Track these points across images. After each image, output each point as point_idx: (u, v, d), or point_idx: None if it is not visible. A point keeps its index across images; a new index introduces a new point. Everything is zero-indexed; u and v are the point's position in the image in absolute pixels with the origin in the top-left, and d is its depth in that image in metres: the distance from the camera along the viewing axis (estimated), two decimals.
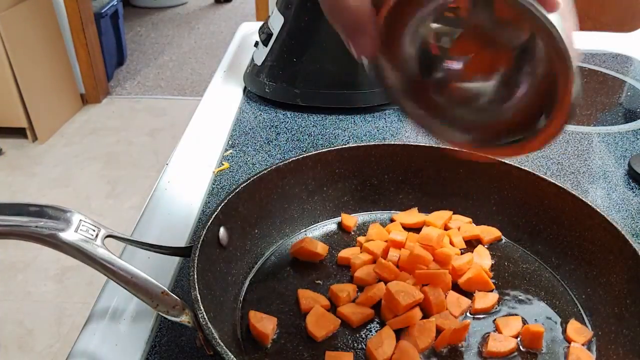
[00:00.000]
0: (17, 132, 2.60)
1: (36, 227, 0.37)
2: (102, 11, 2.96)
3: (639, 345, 0.41)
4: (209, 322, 0.37)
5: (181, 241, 0.55)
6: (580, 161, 0.69)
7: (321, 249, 0.51)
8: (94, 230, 0.39)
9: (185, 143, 0.73)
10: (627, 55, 1.04)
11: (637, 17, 1.41)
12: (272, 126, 0.76)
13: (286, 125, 0.76)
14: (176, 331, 0.45)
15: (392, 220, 0.56)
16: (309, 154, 0.54)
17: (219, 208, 0.46)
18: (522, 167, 0.53)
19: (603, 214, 0.47)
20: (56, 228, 0.37)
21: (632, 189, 0.64)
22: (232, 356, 0.34)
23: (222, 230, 0.46)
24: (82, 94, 2.97)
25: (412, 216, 0.56)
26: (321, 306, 0.46)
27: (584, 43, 1.08)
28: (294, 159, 0.53)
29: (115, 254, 0.39)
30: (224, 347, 0.35)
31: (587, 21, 1.43)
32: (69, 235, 0.37)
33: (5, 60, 2.32)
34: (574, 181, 0.65)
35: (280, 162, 0.52)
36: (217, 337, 0.35)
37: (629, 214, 0.60)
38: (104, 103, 3.05)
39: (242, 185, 0.49)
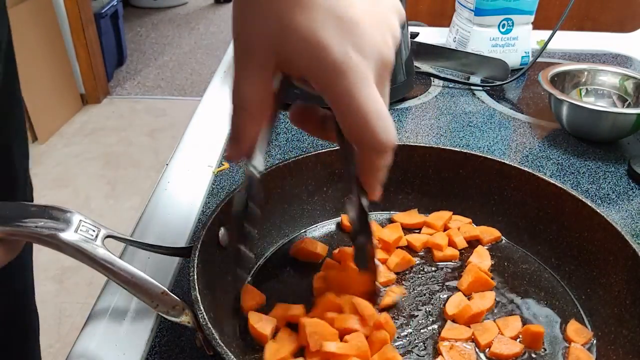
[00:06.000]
0: None
1: (36, 227, 0.37)
2: (102, 11, 2.96)
3: (639, 346, 0.41)
4: (209, 323, 0.37)
5: (181, 241, 0.55)
6: (580, 161, 0.69)
7: (321, 249, 0.51)
8: (94, 231, 0.39)
9: (185, 143, 0.73)
10: (627, 55, 1.04)
11: (637, 17, 1.41)
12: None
13: (286, 125, 0.76)
14: (176, 331, 0.45)
15: (391, 221, 0.56)
16: (309, 154, 0.54)
17: (219, 208, 0.46)
18: (522, 168, 0.53)
19: (603, 214, 0.47)
20: (56, 228, 0.37)
21: (632, 189, 0.64)
22: (232, 356, 0.34)
23: (222, 230, 0.46)
24: (82, 94, 2.97)
25: (412, 217, 0.56)
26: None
27: (584, 43, 1.08)
28: (293, 159, 0.53)
29: (115, 254, 0.39)
30: (224, 348, 0.35)
31: (587, 21, 1.44)
32: (69, 236, 0.37)
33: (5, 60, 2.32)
34: (574, 181, 0.65)
35: (280, 163, 0.52)
36: (217, 337, 0.35)
37: (629, 214, 0.60)
38: (104, 103, 3.05)
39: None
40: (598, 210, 0.47)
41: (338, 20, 0.32)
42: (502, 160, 0.54)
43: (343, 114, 0.33)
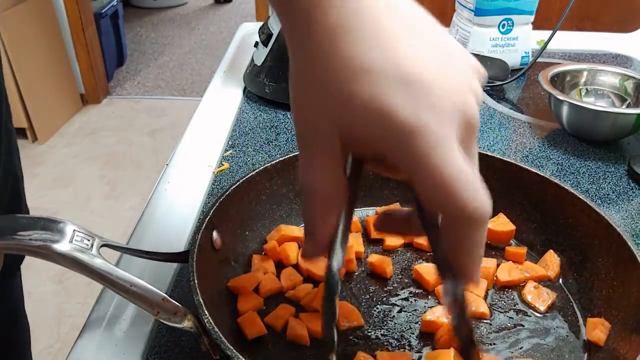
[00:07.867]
0: (17, 133, 2.58)
1: (30, 239, 0.36)
2: (102, 11, 2.96)
3: (630, 326, 0.41)
4: (215, 327, 0.36)
5: (181, 242, 0.55)
6: (580, 161, 0.69)
7: (298, 231, 0.52)
8: (88, 240, 0.38)
9: (185, 143, 0.73)
10: (627, 55, 1.04)
11: (637, 17, 1.41)
12: (272, 126, 0.76)
13: (286, 125, 0.76)
14: (176, 332, 0.45)
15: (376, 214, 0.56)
16: (295, 153, 0.54)
17: (211, 212, 0.46)
18: (504, 159, 0.53)
19: (585, 200, 0.48)
20: (50, 240, 0.36)
21: (632, 189, 0.64)
22: (242, 358, 0.34)
23: (215, 233, 0.46)
24: (82, 94, 2.97)
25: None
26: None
27: (584, 43, 1.08)
28: (280, 159, 0.53)
29: (111, 261, 0.39)
30: (234, 350, 0.34)
31: (587, 21, 1.44)
32: (63, 247, 0.36)
33: (5, 60, 2.32)
34: (574, 181, 0.65)
35: (268, 163, 0.52)
36: (225, 340, 0.35)
37: (629, 214, 0.60)
38: (103, 103, 3.05)
39: (232, 188, 0.49)
40: (580, 197, 0.48)
41: (404, 81, 0.28)
42: (485, 153, 0.54)
43: (420, 182, 0.29)
